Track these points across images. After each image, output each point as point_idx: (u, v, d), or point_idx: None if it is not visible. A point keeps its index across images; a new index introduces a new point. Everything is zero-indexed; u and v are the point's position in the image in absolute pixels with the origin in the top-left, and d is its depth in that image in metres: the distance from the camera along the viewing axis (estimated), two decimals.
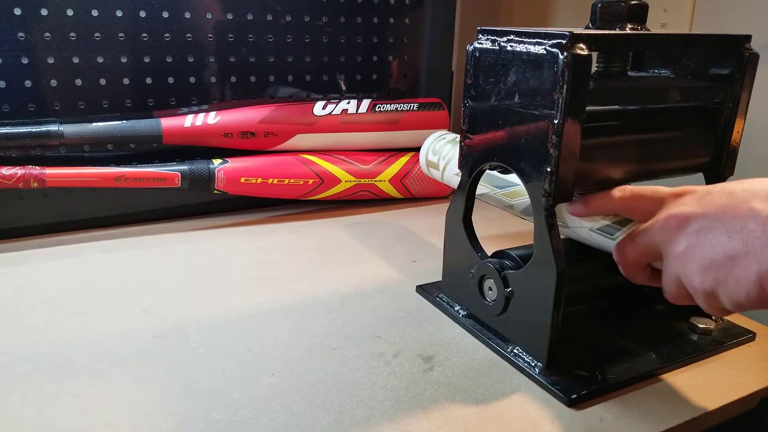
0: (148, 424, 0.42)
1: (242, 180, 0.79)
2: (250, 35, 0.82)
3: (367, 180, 0.86)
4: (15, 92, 0.71)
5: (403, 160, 0.88)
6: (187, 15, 0.77)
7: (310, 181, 0.82)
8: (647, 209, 0.46)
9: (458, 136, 0.56)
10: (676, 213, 0.43)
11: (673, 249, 0.43)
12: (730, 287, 0.39)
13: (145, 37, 0.76)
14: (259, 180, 0.80)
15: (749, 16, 0.73)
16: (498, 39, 0.49)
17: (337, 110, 0.84)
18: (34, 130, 0.70)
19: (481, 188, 0.59)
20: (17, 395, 0.45)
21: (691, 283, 0.42)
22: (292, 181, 0.81)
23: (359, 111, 0.85)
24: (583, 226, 0.52)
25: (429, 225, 0.82)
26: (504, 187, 0.58)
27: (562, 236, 0.53)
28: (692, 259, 0.41)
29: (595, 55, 0.45)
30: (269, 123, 0.81)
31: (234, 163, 0.79)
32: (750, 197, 0.39)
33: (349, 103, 0.85)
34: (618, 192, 0.49)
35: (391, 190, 0.88)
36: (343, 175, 0.84)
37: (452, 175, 0.66)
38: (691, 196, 0.44)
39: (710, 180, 0.56)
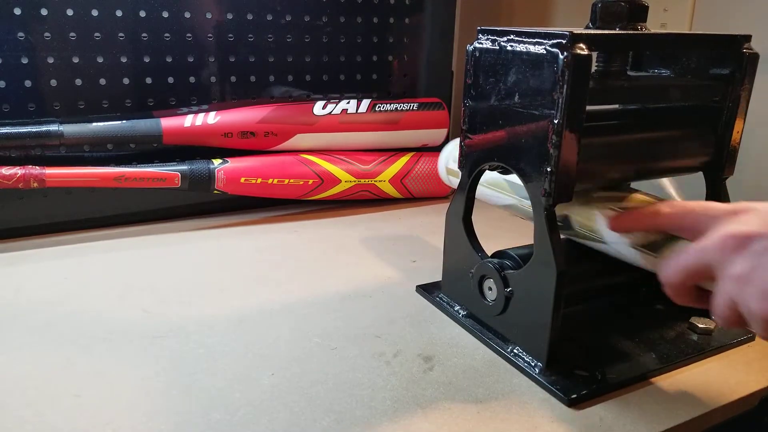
0: (148, 424, 0.42)
1: (242, 180, 0.79)
2: (250, 35, 0.82)
3: (367, 180, 0.86)
4: (15, 92, 0.71)
5: (403, 160, 0.88)
6: (187, 15, 0.77)
7: (310, 181, 0.82)
8: (697, 227, 0.43)
9: None
10: (735, 232, 0.39)
11: (729, 270, 0.39)
12: None
13: (145, 37, 0.76)
14: (259, 180, 0.80)
15: (749, 16, 0.73)
16: (498, 39, 0.49)
17: (337, 110, 0.84)
18: (34, 130, 0.70)
19: (506, 198, 0.57)
20: (17, 395, 0.45)
21: (749, 308, 0.38)
22: (292, 181, 0.81)
23: (359, 111, 0.85)
24: (623, 242, 0.48)
25: (429, 225, 0.82)
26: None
27: (596, 249, 0.52)
28: (752, 282, 0.38)
29: (594, 54, 0.45)
30: (269, 123, 0.81)
31: (234, 163, 0.79)
32: None
33: (348, 102, 0.85)
34: (666, 207, 0.46)
35: (391, 190, 0.88)
36: (343, 175, 0.84)
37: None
38: (750, 213, 0.40)
39: (710, 180, 0.56)
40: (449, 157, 0.67)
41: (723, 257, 0.40)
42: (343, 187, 0.84)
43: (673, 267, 0.44)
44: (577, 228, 0.53)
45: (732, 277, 0.39)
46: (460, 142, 0.54)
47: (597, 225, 0.50)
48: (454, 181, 0.66)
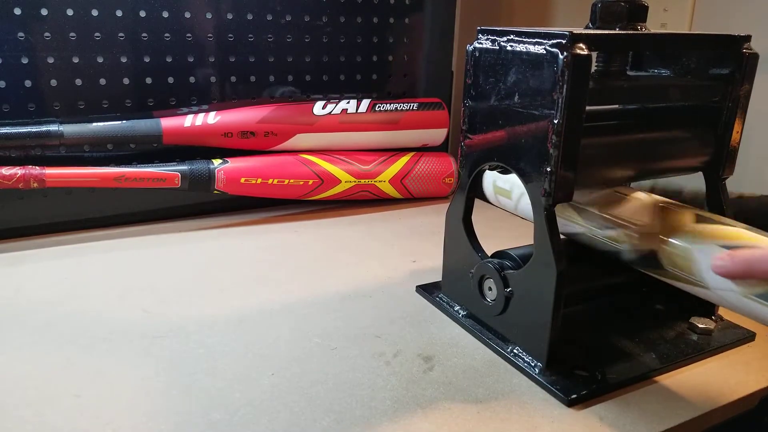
0: (148, 424, 0.42)
1: (242, 180, 0.79)
2: (250, 35, 0.82)
3: (367, 180, 0.86)
4: (15, 92, 0.71)
5: (404, 160, 0.88)
6: (187, 15, 0.77)
7: (310, 182, 0.82)
8: None
9: None
10: None
11: None
12: None
13: (145, 37, 0.76)
14: (259, 180, 0.80)
15: (749, 16, 0.73)
16: (498, 39, 0.49)
17: (337, 110, 0.84)
18: (34, 130, 0.70)
19: (576, 227, 0.54)
20: (17, 395, 0.45)
21: None
22: (292, 181, 0.81)
23: (359, 111, 0.85)
24: (732, 289, 0.42)
25: (429, 225, 0.82)
26: (605, 228, 0.52)
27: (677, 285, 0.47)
28: None
29: (594, 54, 0.45)
30: (269, 123, 0.81)
31: (234, 164, 0.79)
32: None
33: (348, 102, 0.85)
34: None
35: (391, 191, 0.88)
36: (343, 175, 0.84)
37: (528, 207, 0.53)
38: None
39: (710, 180, 0.56)
40: (497, 175, 0.60)
41: None
42: (343, 188, 0.84)
43: None
44: (668, 268, 0.47)
45: None
46: (460, 142, 0.54)
47: (697, 267, 0.45)
48: (506, 202, 0.62)
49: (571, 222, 0.56)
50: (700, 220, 0.48)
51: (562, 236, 0.50)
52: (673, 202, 0.53)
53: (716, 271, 0.42)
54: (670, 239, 0.48)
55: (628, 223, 0.51)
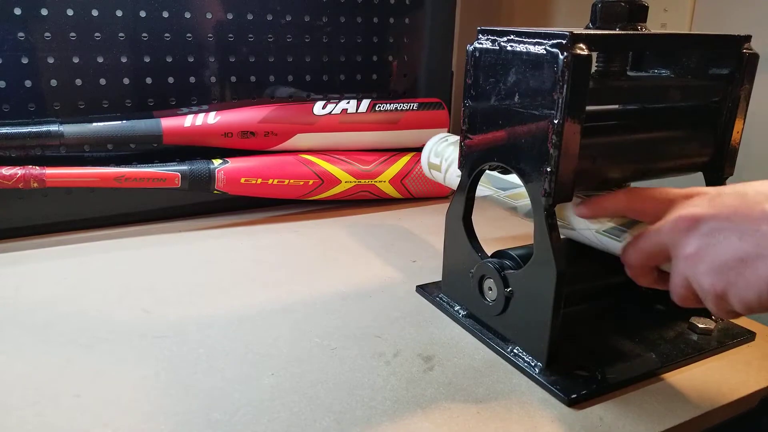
0: (148, 424, 0.42)
1: (242, 180, 0.79)
2: (250, 35, 0.82)
3: (367, 181, 0.86)
4: (15, 92, 0.71)
5: (404, 160, 0.88)
6: (187, 15, 0.77)
7: (310, 182, 0.82)
8: (655, 211, 0.45)
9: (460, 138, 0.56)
10: (686, 214, 0.42)
11: (682, 250, 0.42)
12: (741, 289, 0.38)
13: (145, 37, 0.76)
14: (259, 181, 0.80)
15: (749, 16, 0.73)
16: (498, 39, 0.49)
17: (337, 110, 0.84)
18: (34, 130, 0.70)
19: (484, 190, 0.59)
20: (17, 395, 0.45)
21: (701, 285, 0.41)
22: (292, 181, 0.81)
23: (359, 111, 0.85)
24: (589, 228, 0.51)
25: (429, 225, 0.82)
26: (507, 188, 0.58)
27: (563, 236, 0.52)
28: (702, 260, 0.40)
29: (594, 54, 0.45)
30: (269, 122, 0.81)
31: (234, 164, 0.79)
32: (763, 199, 0.39)
33: (348, 102, 0.85)
34: (625, 193, 0.48)
35: (391, 191, 0.88)
36: (343, 175, 0.84)
37: (454, 177, 0.65)
38: (701, 197, 0.43)
39: (710, 180, 0.56)
40: (431, 151, 0.70)
41: (676, 238, 0.42)
42: (343, 188, 0.84)
43: (632, 249, 0.46)
44: None
45: (684, 257, 0.42)
46: (460, 142, 0.54)
47: (566, 212, 0.52)
48: (437, 175, 0.69)
49: (481, 186, 0.58)
50: None
51: (562, 237, 0.50)
52: None
53: (576, 214, 0.50)
54: None
55: (520, 185, 0.54)
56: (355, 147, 0.87)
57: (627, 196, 0.48)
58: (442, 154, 0.68)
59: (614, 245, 0.49)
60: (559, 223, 0.52)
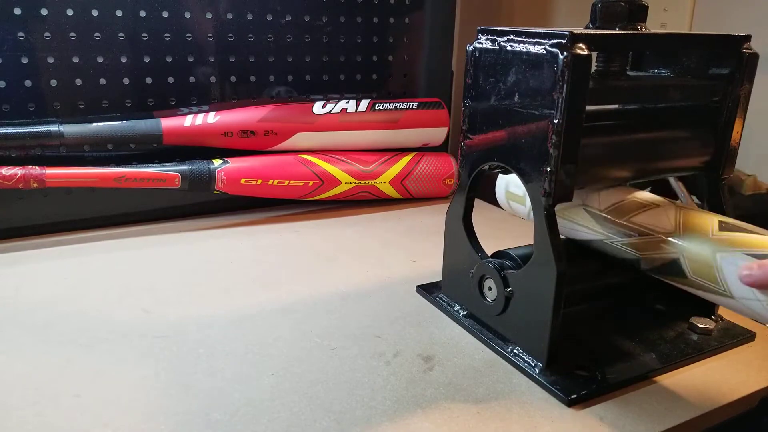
0: (148, 424, 0.42)
1: (242, 181, 0.79)
2: (250, 35, 0.82)
3: (367, 181, 0.85)
4: (15, 92, 0.71)
5: (404, 161, 0.88)
6: (187, 15, 0.77)
7: (311, 183, 0.82)
8: None
9: None
10: None
11: None
12: None
13: (145, 37, 0.76)
14: (259, 181, 0.80)
15: (749, 16, 0.73)
16: (498, 39, 0.49)
17: (337, 109, 0.84)
18: (34, 130, 0.70)
19: (592, 234, 0.53)
20: (17, 395, 0.45)
21: None
22: (292, 182, 0.81)
23: (358, 110, 0.85)
24: (759, 299, 0.42)
25: (429, 225, 0.82)
26: (626, 236, 0.51)
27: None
28: None
29: (594, 54, 0.45)
30: (269, 122, 0.81)
31: (234, 164, 0.79)
32: None
33: (348, 102, 0.85)
34: None
35: (391, 191, 0.88)
36: (343, 176, 0.84)
37: None
38: None
39: (710, 180, 0.56)
40: (510, 180, 0.61)
41: None
42: (343, 188, 0.84)
43: None
44: (691, 277, 0.46)
45: None
46: (460, 142, 0.54)
47: (722, 276, 0.44)
48: (519, 209, 0.61)
49: (587, 229, 0.54)
50: (723, 227, 0.47)
51: (562, 236, 0.50)
52: (695, 207, 0.51)
53: (744, 281, 0.41)
54: (693, 248, 0.46)
55: (650, 231, 0.50)
56: (356, 146, 0.87)
57: None
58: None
59: None
60: (706, 285, 0.46)
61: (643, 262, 0.50)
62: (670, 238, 0.48)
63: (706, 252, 0.45)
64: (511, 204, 0.61)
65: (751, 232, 0.46)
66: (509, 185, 0.61)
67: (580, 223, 0.54)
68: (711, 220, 0.48)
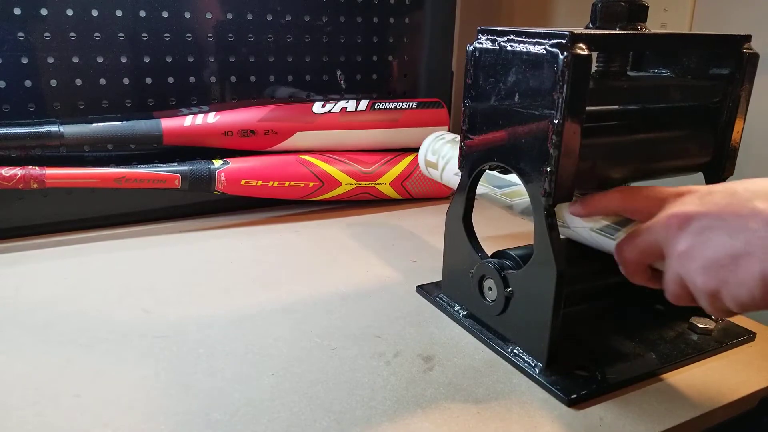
0: (148, 424, 0.42)
1: (242, 182, 0.79)
2: (250, 35, 0.82)
3: (367, 183, 0.85)
4: (15, 92, 0.71)
5: (405, 162, 0.88)
6: (187, 15, 0.77)
7: (311, 184, 0.82)
8: (648, 209, 0.46)
9: (457, 136, 0.56)
10: (678, 212, 0.42)
11: (674, 248, 0.42)
12: (733, 287, 0.38)
13: (145, 37, 0.76)
14: (260, 183, 0.79)
15: (749, 16, 0.73)
16: (498, 39, 0.49)
17: (336, 108, 0.84)
18: (34, 130, 0.70)
19: (481, 188, 0.59)
20: (17, 395, 0.45)
21: (694, 283, 0.41)
22: (292, 183, 0.81)
23: (358, 109, 0.85)
24: (584, 226, 0.51)
25: (429, 225, 0.82)
26: (503, 186, 0.58)
27: (562, 236, 0.52)
28: (694, 258, 0.40)
29: (594, 54, 0.45)
30: (269, 121, 0.81)
31: (234, 164, 0.79)
32: (752, 197, 0.39)
33: (348, 102, 0.85)
34: (618, 192, 0.48)
35: (391, 193, 0.88)
36: (343, 178, 0.84)
37: (452, 175, 0.65)
38: (692, 195, 0.43)
39: (710, 180, 0.56)
40: (428, 149, 0.70)
41: (668, 236, 0.43)
42: (343, 190, 0.84)
43: (626, 247, 0.46)
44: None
45: (676, 255, 0.42)
46: (461, 142, 0.54)
47: (562, 211, 0.52)
48: (434, 173, 0.70)
49: (483, 185, 0.59)
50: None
51: (562, 236, 0.50)
52: None
53: (571, 212, 0.51)
54: None
55: (517, 183, 0.55)
56: (356, 145, 0.87)
57: (621, 194, 0.48)
58: (439, 151, 0.68)
59: (608, 243, 0.50)
60: (560, 223, 0.53)
61: (514, 207, 0.57)
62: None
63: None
64: (430, 171, 0.71)
65: None
66: (427, 153, 0.70)
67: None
68: None
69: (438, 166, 0.68)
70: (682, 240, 0.41)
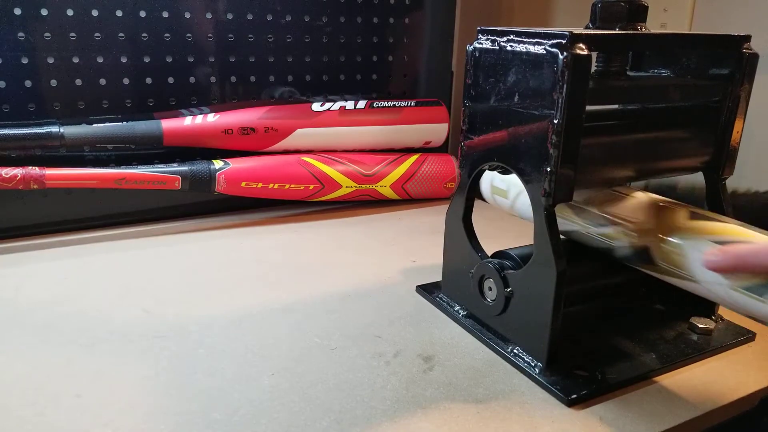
0: (148, 424, 0.42)
1: (243, 184, 0.79)
2: (250, 35, 0.82)
3: (368, 185, 0.85)
4: (15, 92, 0.71)
5: (406, 164, 0.88)
6: (187, 15, 0.77)
7: (311, 186, 0.82)
8: None
9: None
10: None
11: None
12: None
13: (145, 37, 0.76)
14: (260, 185, 0.79)
15: (749, 16, 0.73)
16: (498, 39, 0.49)
17: (335, 107, 0.84)
18: (35, 131, 0.70)
19: (571, 224, 0.55)
20: (17, 395, 0.45)
21: None
22: (292, 186, 0.81)
23: (357, 107, 0.85)
24: (722, 283, 0.42)
25: (429, 225, 0.82)
26: (600, 225, 0.53)
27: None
28: None
29: (594, 54, 0.45)
30: (269, 119, 0.80)
31: (235, 165, 0.79)
32: None
33: (347, 101, 0.85)
34: None
35: (391, 194, 0.88)
36: (344, 180, 0.83)
37: (526, 207, 0.55)
38: None
39: (710, 180, 0.56)
40: (495, 175, 0.61)
41: None
42: (343, 192, 0.84)
43: None
44: (660, 263, 0.48)
45: None
46: (460, 143, 0.54)
47: (688, 261, 0.45)
48: (502, 202, 0.63)
49: (566, 220, 0.56)
50: (693, 217, 0.49)
51: (561, 236, 0.50)
52: (670, 200, 0.53)
53: (707, 266, 0.42)
54: (663, 236, 0.48)
55: (624, 221, 0.52)
56: (357, 143, 0.86)
57: None
58: (509, 180, 0.60)
59: (756, 307, 0.41)
60: (673, 270, 0.47)
61: (617, 251, 0.52)
62: (641, 228, 0.50)
63: (674, 240, 0.47)
64: (496, 198, 0.63)
65: (719, 221, 0.47)
66: (494, 179, 0.63)
67: (558, 213, 0.55)
68: (682, 211, 0.50)
69: (509, 195, 0.61)
70: None
